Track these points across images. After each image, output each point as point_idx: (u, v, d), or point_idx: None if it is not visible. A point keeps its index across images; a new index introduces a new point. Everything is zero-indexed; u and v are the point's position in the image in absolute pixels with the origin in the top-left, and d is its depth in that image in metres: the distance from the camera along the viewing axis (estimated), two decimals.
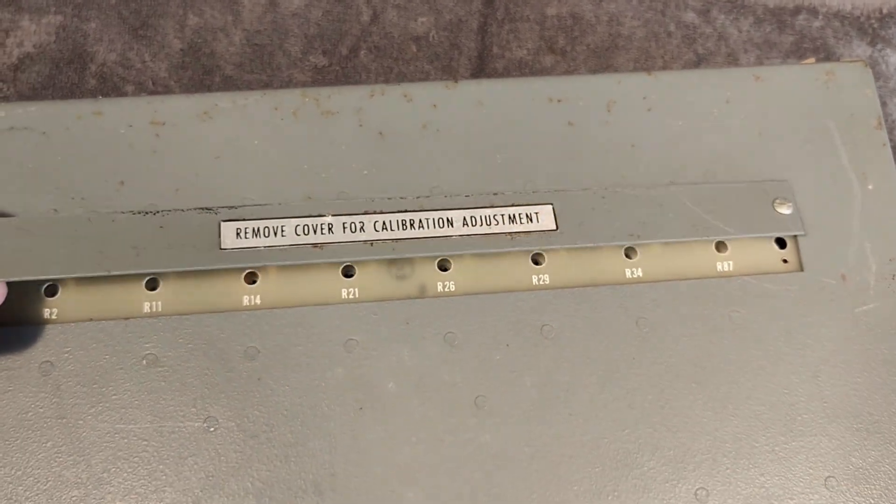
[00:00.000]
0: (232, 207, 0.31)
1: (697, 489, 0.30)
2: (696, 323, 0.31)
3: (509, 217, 0.32)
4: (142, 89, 0.48)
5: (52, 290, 0.30)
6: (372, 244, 0.31)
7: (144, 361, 0.29)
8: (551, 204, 0.32)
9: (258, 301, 0.31)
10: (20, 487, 0.28)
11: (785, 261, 0.33)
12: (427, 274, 0.31)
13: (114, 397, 0.29)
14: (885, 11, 0.52)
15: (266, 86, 0.48)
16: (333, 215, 0.31)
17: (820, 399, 0.31)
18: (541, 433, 0.30)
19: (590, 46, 0.50)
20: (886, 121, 0.48)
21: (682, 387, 0.31)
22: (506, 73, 0.49)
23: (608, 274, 0.32)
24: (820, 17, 0.52)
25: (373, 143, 0.33)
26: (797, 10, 0.52)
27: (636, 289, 0.32)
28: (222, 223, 0.30)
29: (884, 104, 0.34)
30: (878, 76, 0.50)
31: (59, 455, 0.28)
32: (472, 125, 0.33)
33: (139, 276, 0.30)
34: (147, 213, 0.30)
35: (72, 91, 0.48)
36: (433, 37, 0.49)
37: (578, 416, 0.30)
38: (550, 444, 0.30)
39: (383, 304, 0.31)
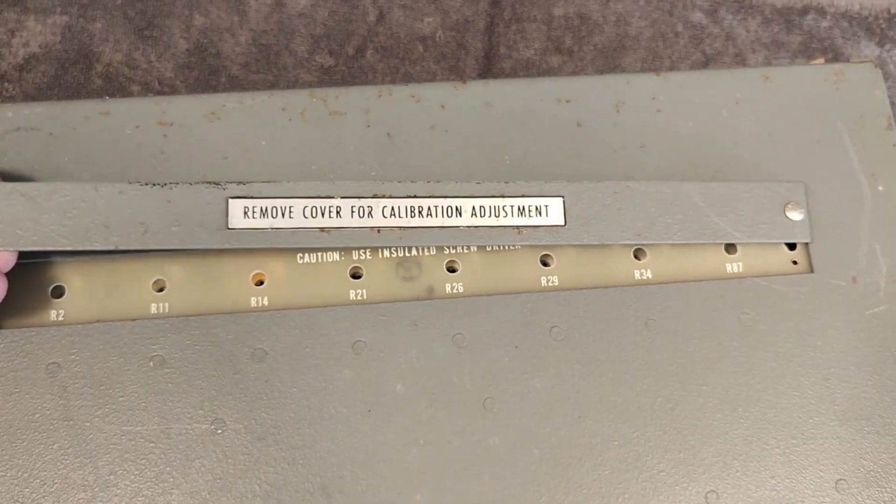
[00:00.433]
0: (240, 183, 0.30)
1: (707, 492, 0.29)
2: (705, 325, 0.31)
3: (518, 209, 0.31)
4: (148, 89, 0.48)
5: (58, 292, 0.30)
6: (379, 231, 0.30)
7: (152, 363, 0.29)
8: (562, 197, 0.32)
9: (266, 302, 0.30)
10: (27, 489, 0.28)
11: (795, 262, 0.33)
12: (435, 275, 0.31)
13: (121, 399, 0.29)
14: (893, 12, 0.52)
15: (272, 86, 0.48)
16: (342, 198, 0.31)
17: (830, 401, 0.31)
18: (550, 435, 0.29)
19: (597, 46, 0.50)
20: None
21: (692, 389, 0.30)
22: (513, 73, 0.48)
23: (617, 275, 0.32)
24: (828, 17, 0.52)
25: (381, 144, 0.33)
26: (805, 11, 0.52)
27: (645, 290, 0.32)
28: (230, 200, 0.30)
29: (893, 105, 0.34)
30: (886, 77, 0.50)
31: (66, 457, 0.28)
32: (480, 126, 0.33)
33: (146, 273, 0.30)
34: (154, 184, 0.30)
35: (77, 91, 0.48)
36: (440, 37, 0.48)
37: (588, 418, 0.30)
38: (559, 447, 0.29)
39: (391, 305, 0.31)
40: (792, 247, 0.33)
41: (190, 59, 0.49)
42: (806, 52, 0.51)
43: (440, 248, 0.32)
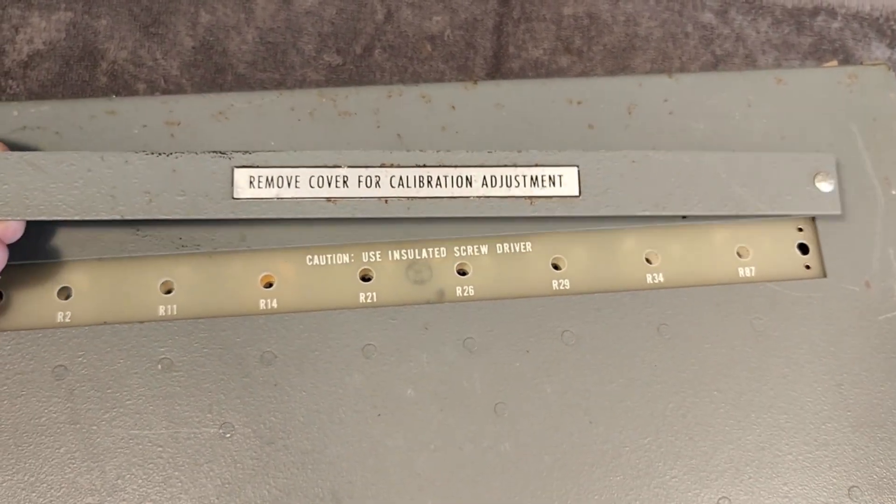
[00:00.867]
0: (246, 153, 0.30)
1: (720, 498, 0.29)
2: (717, 330, 0.31)
3: (531, 179, 0.31)
4: (153, 87, 0.47)
5: (65, 293, 0.30)
6: (387, 201, 0.30)
7: (159, 366, 0.29)
8: (576, 166, 0.31)
9: (275, 305, 0.30)
10: (33, 494, 0.27)
11: (808, 267, 0.32)
12: (445, 278, 0.31)
13: (128, 402, 0.28)
14: None
15: (279, 84, 0.48)
16: (349, 167, 0.30)
17: (843, 408, 0.30)
18: (561, 441, 0.29)
19: (606, 47, 0.49)
20: None
21: (704, 395, 0.30)
22: (522, 73, 0.48)
23: (629, 279, 0.32)
24: (839, 18, 0.51)
25: (391, 144, 0.32)
26: (816, 12, 0.51)
27: (657, 294, 0.31)
28: (235, 169, 0.30)
29: None
30: None
31: (73, 461, 0.28)
32: (491, 127, 0.33)
33: (154, 274, 0.30)
34: (160, 154, 0.30)
35: (82, 89, 0.48)
36: (448, 36, 0.48)
37: (599, 423, 0.29)
38: (571, 453, 0.29)
39: (401, 308, 0.30)
40: (805, 251, 0.33)
41: (196, 56, 0.48)
42: (816, 54, 0.50)
43: (451, 251, 0.31)
